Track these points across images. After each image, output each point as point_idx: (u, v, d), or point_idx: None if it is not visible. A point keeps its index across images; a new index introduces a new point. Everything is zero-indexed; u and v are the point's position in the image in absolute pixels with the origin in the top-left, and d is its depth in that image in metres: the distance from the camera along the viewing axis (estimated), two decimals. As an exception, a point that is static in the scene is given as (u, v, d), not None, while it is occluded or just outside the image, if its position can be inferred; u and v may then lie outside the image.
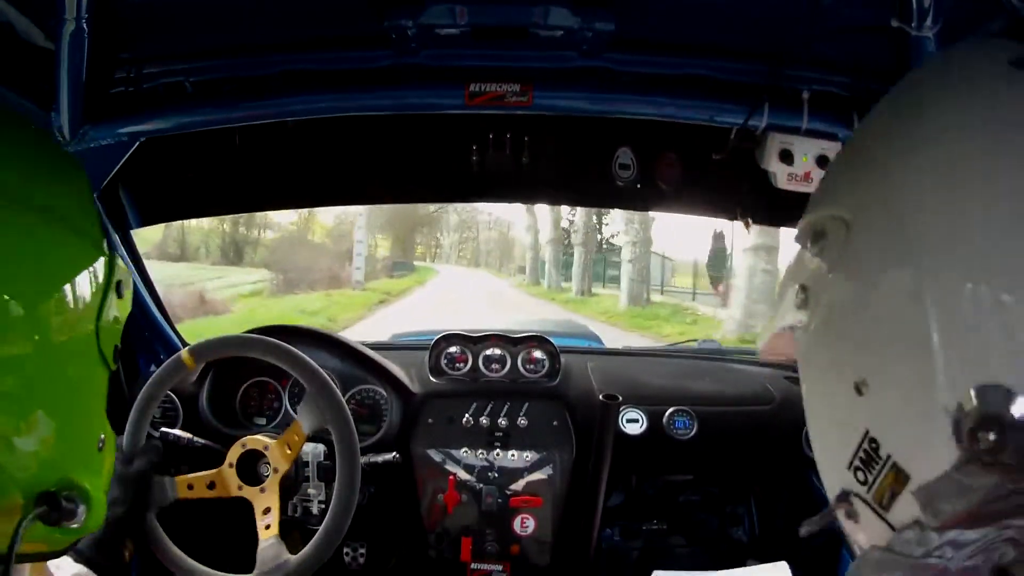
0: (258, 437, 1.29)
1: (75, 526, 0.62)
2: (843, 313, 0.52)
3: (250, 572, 1.22)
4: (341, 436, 1.27)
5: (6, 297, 0.54)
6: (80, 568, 0.73)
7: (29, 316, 0.56)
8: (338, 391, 1.28)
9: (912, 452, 0.48)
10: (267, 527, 1.24)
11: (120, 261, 0.67)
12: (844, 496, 0.53)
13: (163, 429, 1.37)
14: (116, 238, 1.50)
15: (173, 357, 1.29)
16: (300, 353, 1.28)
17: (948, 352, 0.45)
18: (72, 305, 0.60)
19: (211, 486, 1.27)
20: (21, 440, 0.57)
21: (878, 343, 0.49)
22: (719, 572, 1.44)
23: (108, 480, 0.67)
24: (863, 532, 0.53)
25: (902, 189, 0.50)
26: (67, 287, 0.60)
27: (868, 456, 0.50)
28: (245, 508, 1.27)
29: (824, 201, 0.57)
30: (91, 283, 0.62)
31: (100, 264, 0.64)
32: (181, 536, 1.28)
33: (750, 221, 1.39)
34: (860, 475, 0.51)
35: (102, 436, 0.65)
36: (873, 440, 0.49)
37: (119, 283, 0.66)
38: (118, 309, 0.66)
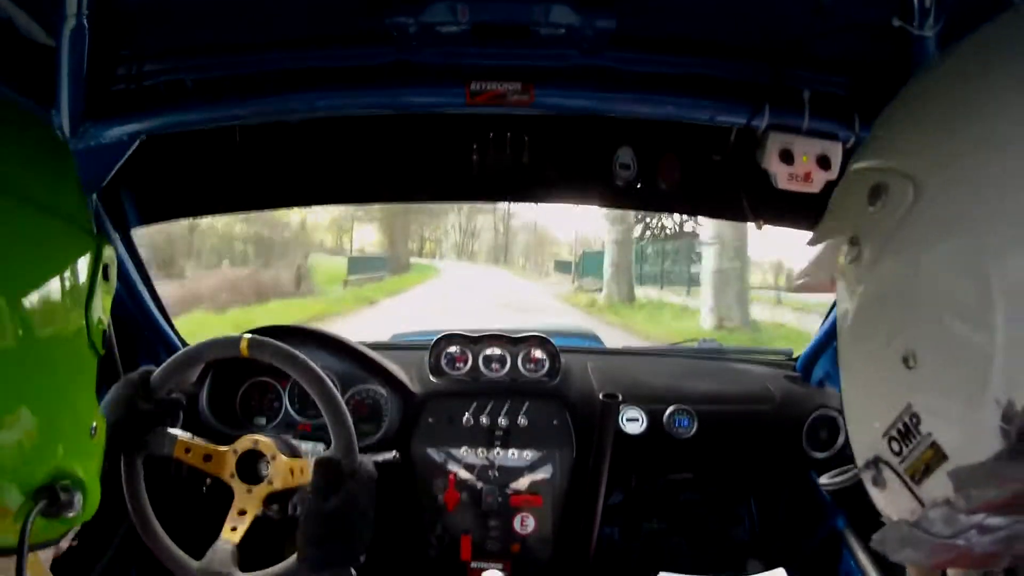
0: (269, 443, 1.27)
1: (72, 515, 0.61)
2: (902, 279, 0.50)
3: (199, 558, 1.20)
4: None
5: None
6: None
7: (16, 305, 0.55)
8: (357, 446, 1.25)
9: (955, 435, 0.47)
10: (233, 529, 1.21)
11: (107, 244, 0.65)
12: (874, 462, 0.53)
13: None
14: (115, 236, 1.49)
15: (235, 336, 1.26)
16: (340, 398, 1.24)
17: (1010, 346, 0.44)
18: (61, 292, 0.59)
19: (207, 459, 1.25)
20: (13, 433, 0.56)
21: (937, 319, 0.47)
22: None
23: (100, 466, 0.66)
24: (888, 499, 0.54)
25: (990, 161, 0.46)
26: (55, 274, 0.59)
27: (907, 429, 0.50)
28: (227, 494, 1.26)
29: (885, 151, 0.54)
30: (80, 268, 0.61)
31: (88, 248, 0.62)
32: (157, 491, 1.26)
33: (761, 222, 1.38)
34: (895, 445, 0.51)
35: (94, 424, 0.64)
36: (915, 415, 0.49)
37: (106, 268, 0.64)
38: (105, 293, 0.65)
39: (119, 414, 1.16)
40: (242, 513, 1.23)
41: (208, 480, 1.28)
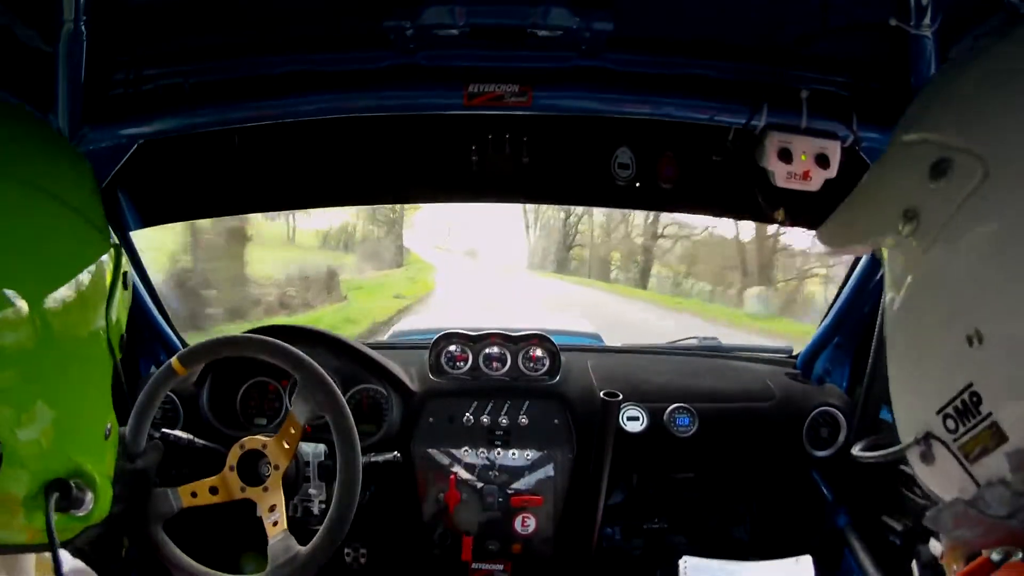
0: (256, 437, 1.29)
1: (82, 514, 0.62)
2: (969, 257, 0.49)
3: (262, 571, 1.22)
4: (336, 420, 1.26)
5: (22, 286, 0.55)
6: (77, 563, 0.74)
7: (44, 306, 0.57)
8: (329, 378, 1.28)
9: (1018, 417, 0.47)
10: (275, 523, 1.25)
11: (124, 253, 0.68)
12: (925, 439, 0.53)
13: (164, 430, 1.37)
14: (114, 238, 1.49)
15: (164, 365, 1.29)
16: (286, 345, 1.28)
17: None
18: (86, 296, 0.61)
19: (214, 491, 1.28)
20: (30, 427, 0.57)
21: (1008, 301, 0.47)
22: (748, 563, 1.44)
23: (112, 470, 0.67)
24: (936, 476, 0.53)
25: None
26: (82, 277, 0.61)
27: (965, 408, 0.49)
28: (251, 509, 1.28)
29: (943, 125, 0.53)
30: (104, 274, 0.63)
31: (111, 255, 0.65)
32: (191, 544, 1.28)
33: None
34: (950, 423, 0.50)
35: (108, 424, 0.66)
36: (975, 394, 0.48)
37: (125, 275, 0.67)
38: (124, 300, 0.67)
39: (118, 500, 1.17)
40: (273, 508, 1.26)
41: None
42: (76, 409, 0.62)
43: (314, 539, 1.23)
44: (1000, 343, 0.47)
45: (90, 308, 0.62)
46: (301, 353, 1.28)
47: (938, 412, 0.51)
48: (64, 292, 0.59)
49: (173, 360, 1.28)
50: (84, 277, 0.61)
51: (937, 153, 0.51)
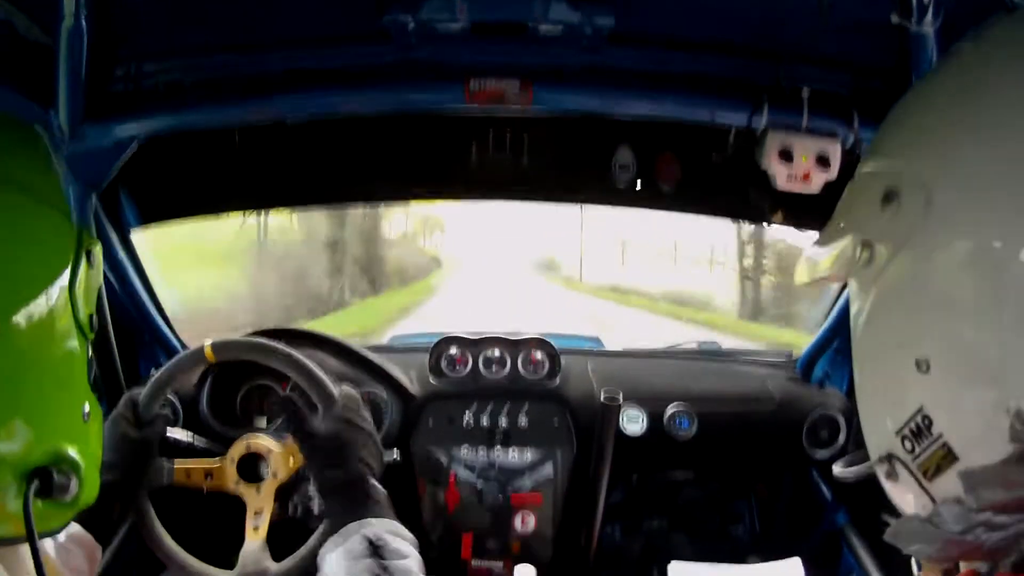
0: (262, 440, 1.27)
1: (68, 499, 0.62)
2: (915, 285, 0.51)
3: (231, 569, 1.21)
4: None
5: None
6: (74, 526, 0.73)
7: (1, 292, 0.55)
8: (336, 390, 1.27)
9: (966, 439, 0.49)
10: (255, 529, 1.23)
11: (87, 230, 0.66)
12: (888, 458, 0.55)
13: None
14: (114, 237, 1.49)
15: (196, 347, 1.27)
16: (323, 375, 1.26)
17: (1021, 354, 0.45)
18: (45, 277, 0.59)
19: (208, 476, 1.26)
20: (5, 427, 0.57)
21: (950, 328, 0.49)
22: (736, 567, 1.44)
23: (98, 451, 0.66)
24: (901, 493, 0.55)
25: (996, 163, 0.47)
26: (38, 259, 0.59)
27: (919, 430, 0.51)
28: (238, 503, 1.27)
29: (894, 154, 0.55)
30: (62, 253, 0.62)
31: (66, 229, 0.63)
32: (171, 519, 1.26)
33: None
34: (907, 444, 0.52)
35: (86, 406, 0.64)
36: (927, 417, 0.50)
37: (89, 252, 0.65)
38: (91, 278, 0.65)
39: (116, 467, 1.15)
40: (259, 513, 1.24)
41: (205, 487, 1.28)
42: (48, 399, 0.60)
43: (286, 560, 1.20)
44: (945, 370, 0.49)
45: (53, 291, 0.60)
46: (332, 386, 1.26)
47: (897, 433, 0.53)
48: (21, 278, 0.57)
49: (206, 346, 1.25)
50: (39, 261, 0.59)
51: (887, 183, 0.53)
